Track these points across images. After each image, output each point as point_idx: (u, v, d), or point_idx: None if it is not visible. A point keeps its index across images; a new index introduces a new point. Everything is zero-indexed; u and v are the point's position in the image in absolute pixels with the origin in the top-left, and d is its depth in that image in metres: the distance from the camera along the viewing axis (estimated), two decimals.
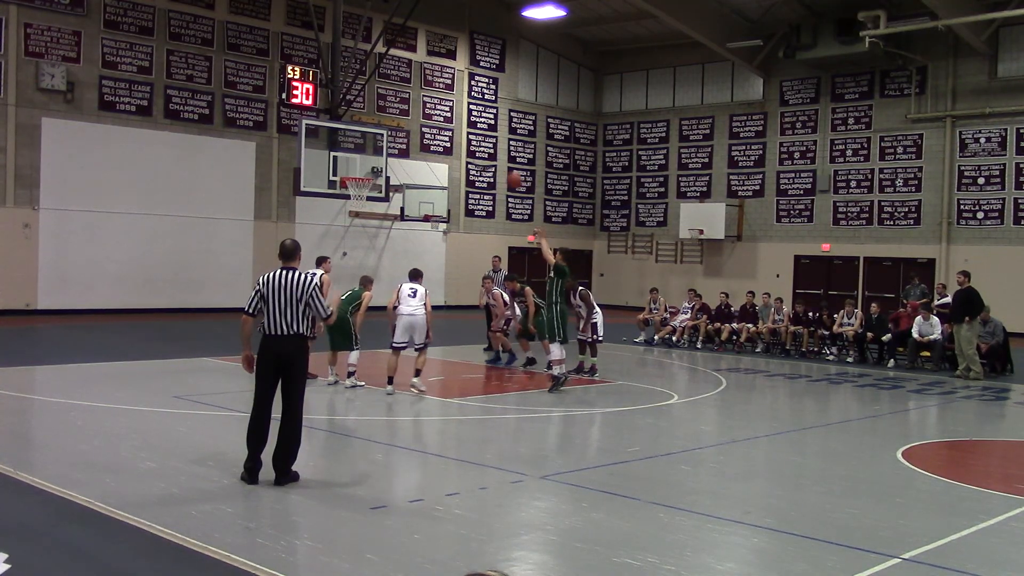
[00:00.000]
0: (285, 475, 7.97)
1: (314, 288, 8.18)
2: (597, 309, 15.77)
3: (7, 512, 7.06)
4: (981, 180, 27.88)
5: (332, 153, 25.24)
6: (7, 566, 5.68)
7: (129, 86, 25.15)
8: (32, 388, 13.26)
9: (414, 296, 13.25)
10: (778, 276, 31.04)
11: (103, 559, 6.13)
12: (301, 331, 8.12)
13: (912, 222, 29.10)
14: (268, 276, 8.20)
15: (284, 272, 8.16)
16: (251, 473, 7.98)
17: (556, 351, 13.77)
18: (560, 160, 35.93)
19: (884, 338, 19.35)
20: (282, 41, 28.14)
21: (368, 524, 7.05)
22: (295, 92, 25.03)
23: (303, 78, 25.43)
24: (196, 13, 26.35)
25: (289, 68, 25.47)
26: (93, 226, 24.32)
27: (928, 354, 18.84)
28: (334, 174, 24.86)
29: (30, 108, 23.54)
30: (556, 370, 13.72)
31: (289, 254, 8.32)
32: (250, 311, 8.16)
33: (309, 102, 25.66)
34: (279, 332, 8.04)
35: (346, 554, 6.24)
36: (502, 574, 2.73)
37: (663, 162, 35.07)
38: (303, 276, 8.21)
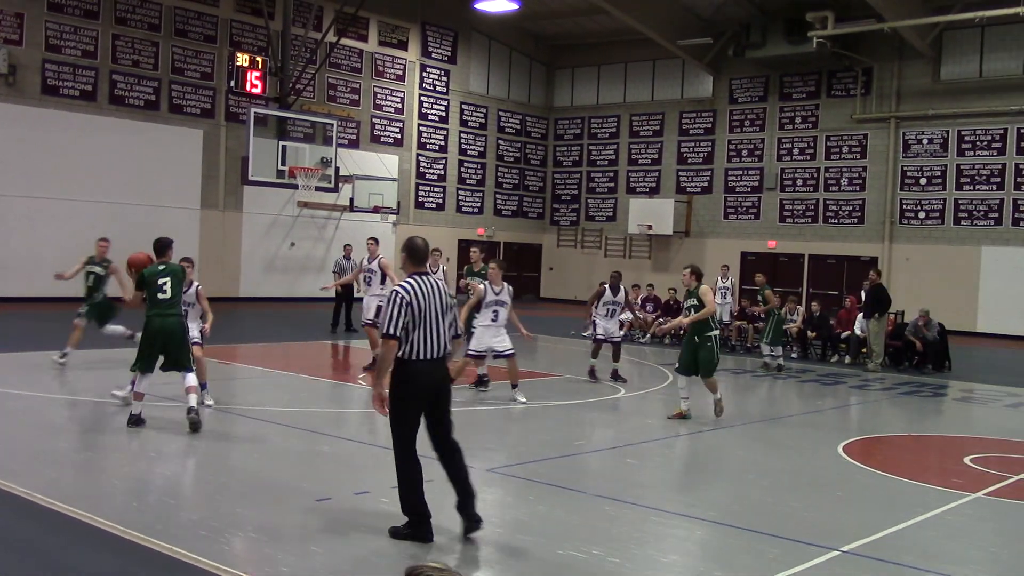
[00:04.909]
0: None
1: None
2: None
3: None
4: (923, 180, 28.42)
5: (281, 142, 25.02)
6: None
7: (73, 70, 24.66)
8: None
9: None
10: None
11: (42, 551, 6.02)
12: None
13: (856, 221, 29.58)
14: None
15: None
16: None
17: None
18: (511, 153, 35.95)
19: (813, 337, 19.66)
20: (231, 28, 27.75)
21: (313, 516, 7.01)
22: (244, 80, 24.75)
23: (252, 66, 25.14)
24: None
25: (238, 55, 25.17)
26: (34, 213, 23.81)
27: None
28: (283, 163, 24.64)
29: None
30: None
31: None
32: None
33: (258, 90, 25.38)
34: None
35: (291, 546, 6.20)
36: (444, 567, 2.74)
37: (613, 157, 35.25)
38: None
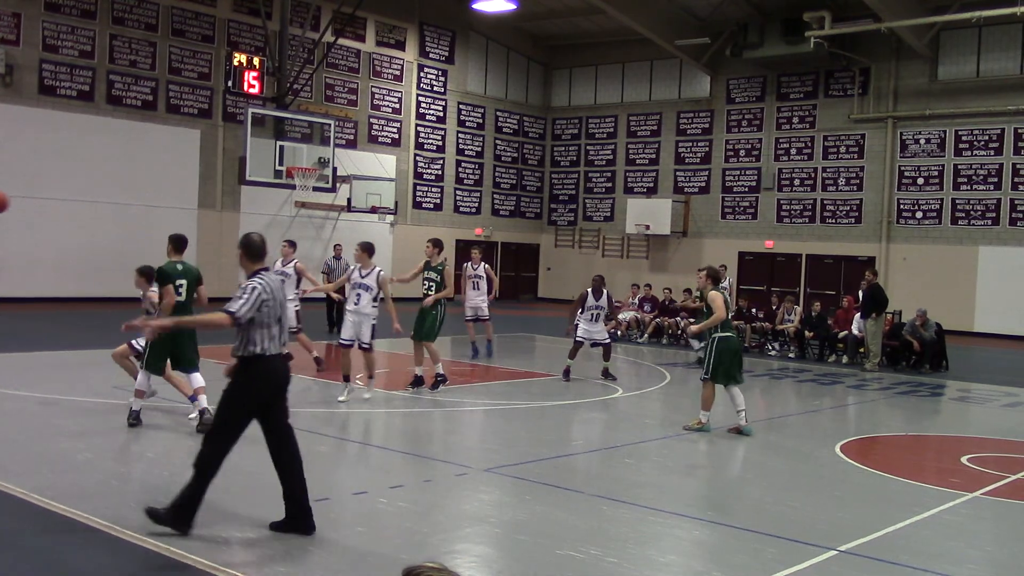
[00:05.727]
0: None
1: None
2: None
3: None
4: (920, 180, 28.46)
5: (279, 142, 25.01)
6: None
7: (70, 70, 24.64)
8: None
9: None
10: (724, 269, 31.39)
11: (37, 551, 6.01)
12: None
13: (853, 220, 29.60)
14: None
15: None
16: None
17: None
18: (508, 154, 35.95)
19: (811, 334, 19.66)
20: (228, 28, 27.74)
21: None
22: (241, 80, 24.73)
23: (249, 66, 25.12)
24: None
25: (235, 55, 25.14)
26: (32, 213, 23.75)
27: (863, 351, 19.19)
28: (280, 163, 24.62)
29: None
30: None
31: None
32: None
33: (255, 90, 25.37)
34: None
35: (288, 546, 6.20)
36: (441, 567, 2.73)
37: (611, 157, 35.26)
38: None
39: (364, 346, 11.91)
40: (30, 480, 7.39)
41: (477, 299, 17.40)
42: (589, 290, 14.96)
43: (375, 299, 11.76)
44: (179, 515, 6.25)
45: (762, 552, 6.53)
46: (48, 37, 24.27)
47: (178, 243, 9.99)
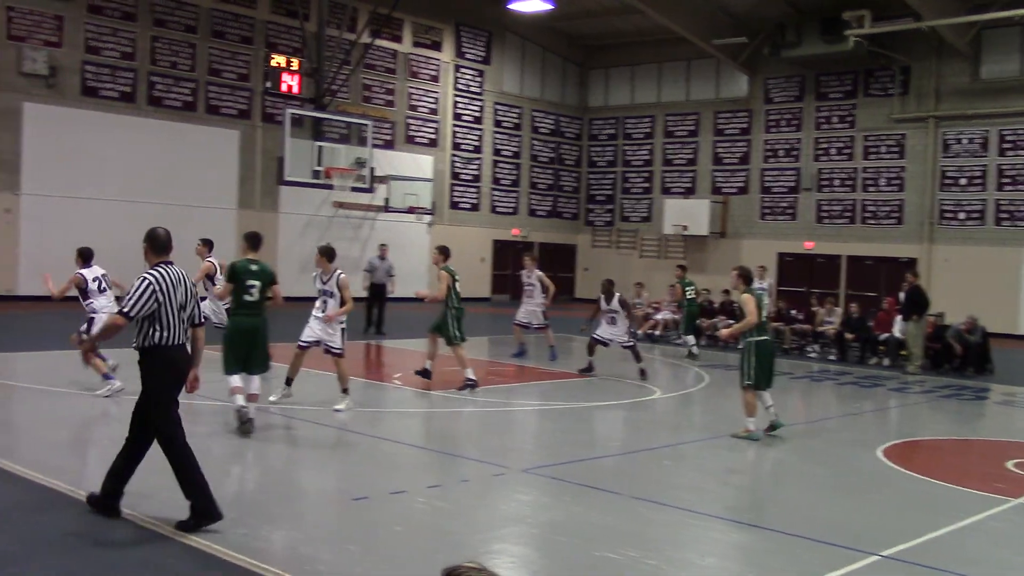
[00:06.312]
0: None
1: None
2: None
3: None
4: (963, 181, 28.05)
5: (316, 143, 25.16)
6: None
7: (112, 72, 24.94)
8: (10, 374, 13.15)
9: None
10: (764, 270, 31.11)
11: (81, 547, 6.06)
12: None
13: (895, 221, 29.24)
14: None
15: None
16: None
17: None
18: (545, 154, 35.91)
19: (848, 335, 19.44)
20: (267, 29, 27.95)
21: (350, 515, 7.03)
22: (280, 81, 24.92)
23: (288, 67, 25.30)
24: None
25: (274, 57, 25.33)
26: (74, 212, 24.09)
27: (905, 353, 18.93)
28: (318, 164, 24.77)
29: (11, 92, 23.29)
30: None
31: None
32: None
33: (294, 91, 25.54)
34: None
35: (327, 545, 6.22)
36: (480, 567, 2.71)
37: (648, 157, 35.11)
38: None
39: (336, 351, 11.11)
40: (72, 475, 7.47)
41: (528, 308, 17.42)
42: (601, 295, 15.28)
43: (341, 304, 11.12)
44: (203, 510, 6.35)
45: (801, 556, 6.46)
46: (90, 39, 24.58)
47: (253, 241, 9.94)
